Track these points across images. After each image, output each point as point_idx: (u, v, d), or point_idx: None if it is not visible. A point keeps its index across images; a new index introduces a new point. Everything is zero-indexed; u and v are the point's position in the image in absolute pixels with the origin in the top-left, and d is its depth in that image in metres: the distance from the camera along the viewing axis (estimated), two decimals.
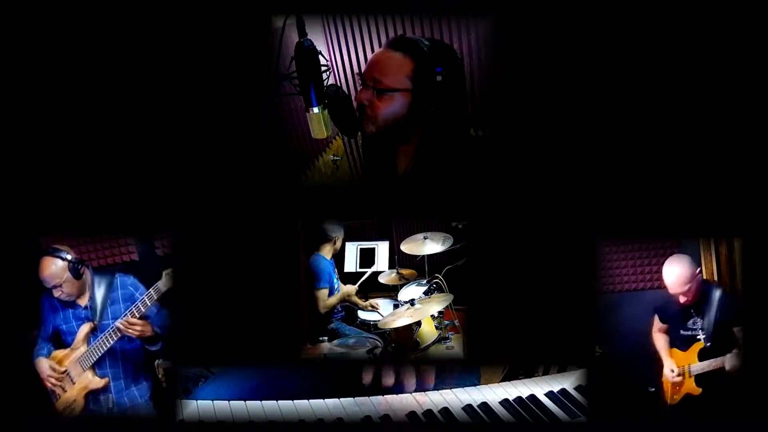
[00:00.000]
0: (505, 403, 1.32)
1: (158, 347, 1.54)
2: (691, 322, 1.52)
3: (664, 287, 1.53)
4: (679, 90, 1.46)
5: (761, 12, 1.44)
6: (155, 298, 1.50)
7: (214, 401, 1.34)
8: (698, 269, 1.52)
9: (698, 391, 1.51)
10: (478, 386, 1.37)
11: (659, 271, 1.57)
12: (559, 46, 1.46)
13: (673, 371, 1.53)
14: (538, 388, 1.36)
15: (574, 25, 1.45)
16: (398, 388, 1.35)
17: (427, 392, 1.34)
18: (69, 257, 1.54)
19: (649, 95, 1.46)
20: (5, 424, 1.48)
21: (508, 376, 1.42)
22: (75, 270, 1.54)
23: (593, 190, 1.47)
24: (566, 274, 1.47)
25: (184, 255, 1.50)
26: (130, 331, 1.51)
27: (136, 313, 1.51)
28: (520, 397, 1.33)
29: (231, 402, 1.33)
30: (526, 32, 1.46)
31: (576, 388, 1.37)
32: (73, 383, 1.54)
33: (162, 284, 1.50)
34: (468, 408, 1.30)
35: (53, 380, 1.54)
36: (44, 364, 1.55)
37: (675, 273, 1.51)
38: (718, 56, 1.45)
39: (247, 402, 1.33)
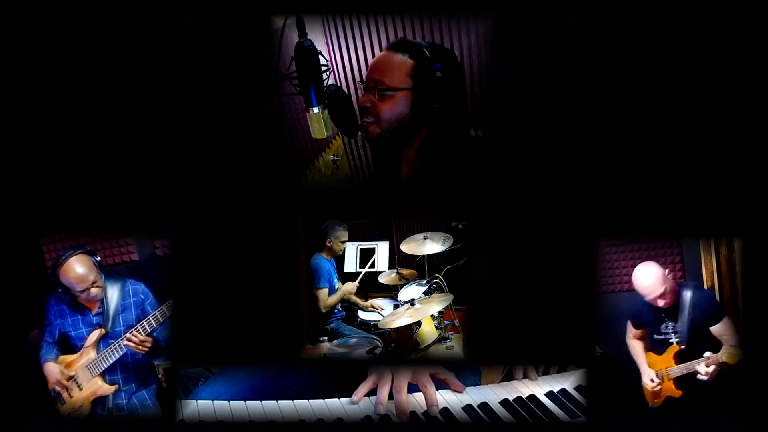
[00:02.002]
0: (505, 403, 1.32)
1: (161, 360, 1.55)
2: (663, 325, 1.53)
3: (638, 294, 1.53)
4: (679, 90, 1.46)
5: (761, 12, 1.44)
6: (166, 316, 1.50)
7: (214, 401, 1.34)
8: (667, 270, 1.52)
9: (679, 393, 1.51)
10: (478, 386, 1.37)
11: None
12: (559, 46, 1.46)
13: (652, 381, 1.53)
14: (538, 388, 1.36)
15: (574, 25, 1.45)
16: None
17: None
18: (97, 255, 1.54)
19: (649, 95, 1.46)
20: (5, 424, 1.48)
21: (508, 376, 1.42)
22: (101, 267, 1.54)
23: (593, 190, 1.47)
24: (566, 274, 1.47)
25: (184, 255, 1.50)
26: (140, 348, 1.51)
27: (147, 328, 1.50)
28: (520, 397, 1.33)
29: (231, 402, 1.33)
30: (526, 32, 1.46)
31: (576, 388, 1.37)
32: (80, 389, 1.54)
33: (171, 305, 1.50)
34: (468, 408, 1.30)
35: (61, 385, 1.53)
36: (54, 369, 1.54)
37: (647, 278, 1.51)
38: (718, 56, 1.45)
39: (247, 402, 1.33)
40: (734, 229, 1.48)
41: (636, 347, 1.56)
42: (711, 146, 1.46)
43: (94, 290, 1.53)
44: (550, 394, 1.35)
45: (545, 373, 1.43)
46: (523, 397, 1.33)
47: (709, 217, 1.47)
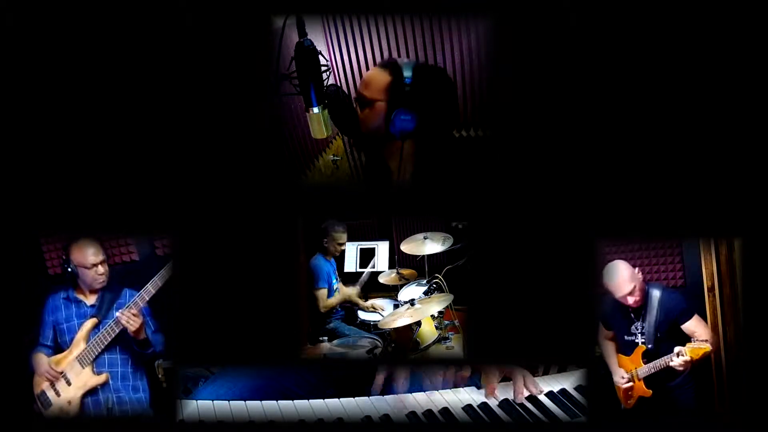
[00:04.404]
0: (505, 403, 1.32)
1: (149, 353, 1.55)
2: (632, 327, 1.53)
3: (609, 293, 1.54)
4: (679, 90, 1.46)
5: (761, 12, 1.44)
6: (158, 287, 1.51)
7: (214, 401, 1.34)
8: (637, 269, 1.53)
9: (649, 393, 1.52)
10: (478, 386, 1.37)
11: (659, 271, 1.58)
12: (559, 46, 1.46)
13: (623, 378, 1.54)
14: None
15: (574, 25, 1.45)
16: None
17: (427, 392, 1.34)
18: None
19: (648, 95, 1.46)
20: (5, 424, 1.48)
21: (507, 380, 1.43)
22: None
23: (593, 190, 1.47)
24: (566, 274, 1.47)
25: (184, 255, 1.50)
26: (130, 323, 1.51)
27: (140, 303, 1.51)
28: None
29: (231, 402, 1.33)
30: (526, 32, 1.46)
31: (576, 388, 1.37)
32: (69, 384, 1.54)
33: (160, 277, 1.51)
34: (468, 408, 1.30)
35: (48, 377, 1.53)
36: (43, 360, 1.54)
37: (616, 276, 1.52)
38: (718, 56, 1.45)
39: (247, 402, 1.33)
40: (734, 229, 1.48)
41: (607, 347, 1.57)
42: (711, 146, 1.46)
43: (101, 269, 1.55)
44: (550, 394, 1.35)
45: (545, 373, 1.43)
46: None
47: (709, 217, 1.47)
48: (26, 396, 1.53)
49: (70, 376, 1.54)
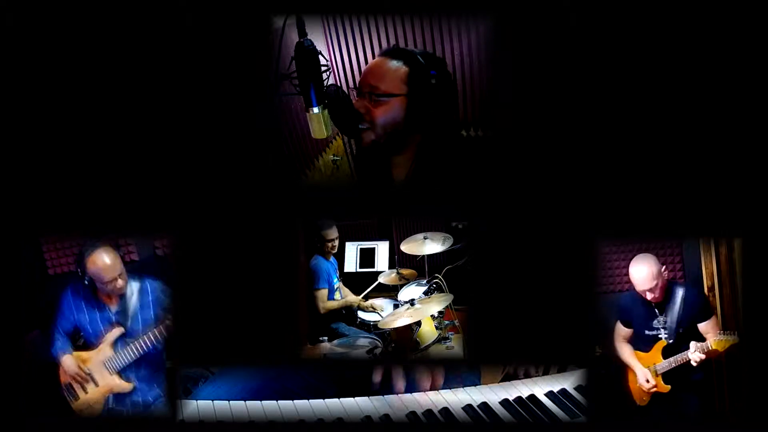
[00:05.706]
0: (505, 403, 1.32)
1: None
2: (655, 321, 1.53)
3: (631, 289, 1.54)
4: (679, 90, 1.46)
5: (761, 12, 1.45)
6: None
7: (214, 401, 1.34)
8: (663, 267, 1.53)
9: (667, 388, 1.52)
10: (478, 386, 1.37)
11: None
12: (559, 46, 1.46)
13: (648, 381, 1.53)
14: (538, 388, 1.36)
15: (574, 25, 1.45)
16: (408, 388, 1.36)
17: (427, 392, 1.34)
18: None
19: (649, 95, 1.46)
20: (5, 424, 1.48)
21: (508, 377, 1.43)
22: (124, 262, 1.54)
23: (593, 190, 1.47)
24: (566, 274, 1.47)
25: (184, 255, 1.50)
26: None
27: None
28: (520, 397, 1.33)
29: (231, 402, 1.33)
30: (526, 32, 1.47)
31: (576, 388, 1.37)
32: (97, 385, 1.54)
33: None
34: (468, 408, 1.30)
35: (78, 379, 1.53)
36: (71, 362, 1.54)
37: (643, 270, 1.52)
38: (718, 56, 1.45)
39: (247, 402, 1.33)
40: (734, 229, 1.48)
41: (625, 349, 1.57)
42: (711, 146, 1.46)
43: (120, 282, 1.53)
44: (550, 394, 1.35)
45: (545, 373, 1.44)
46: (523, 397, 1.33)
47: (709, 217, 1.47)
48: (26, 394, 1.53)
49: (97, 378, 1.54)
